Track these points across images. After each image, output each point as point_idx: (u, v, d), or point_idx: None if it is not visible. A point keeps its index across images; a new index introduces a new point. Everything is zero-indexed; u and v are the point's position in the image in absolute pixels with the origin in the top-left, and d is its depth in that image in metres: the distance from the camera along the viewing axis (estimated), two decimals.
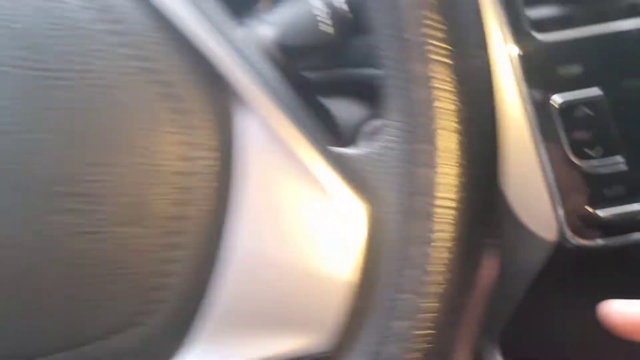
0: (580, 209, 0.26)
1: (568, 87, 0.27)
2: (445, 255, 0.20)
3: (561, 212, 0.26)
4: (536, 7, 0.27)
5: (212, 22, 0.23)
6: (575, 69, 0.27)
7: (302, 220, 0.21)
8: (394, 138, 0.21)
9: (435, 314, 0.20)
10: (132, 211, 0.21)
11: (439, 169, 0.20)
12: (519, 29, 0.27)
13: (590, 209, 0.26)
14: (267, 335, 0.21)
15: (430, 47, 0.21)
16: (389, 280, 0.21)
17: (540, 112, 0.27)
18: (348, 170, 0.22)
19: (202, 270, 0.21)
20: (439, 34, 0.21)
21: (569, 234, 0.27)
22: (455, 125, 0.21)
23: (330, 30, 0.32)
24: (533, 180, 0.26)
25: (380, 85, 0.23)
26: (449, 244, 0.20)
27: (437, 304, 0.20)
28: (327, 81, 0.36)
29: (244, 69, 0.22)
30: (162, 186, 0.21)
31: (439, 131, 0.21)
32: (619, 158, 0.26)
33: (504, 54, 0.27)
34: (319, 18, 0.32)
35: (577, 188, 0.27)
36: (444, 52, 0.21)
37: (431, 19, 0.21)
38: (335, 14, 0.32)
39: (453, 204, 0.20)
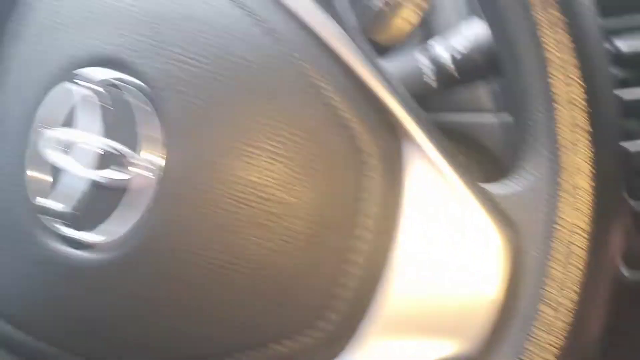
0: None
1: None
2: (579, 274, 0.25)
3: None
4: None
5: (375, 63, 0.27)
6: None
7: (456, 245, 0.26)
8: (537, 177, 0.26)
9: (570, 326, 0.25)
10: (317, 227, 0.24)
11: (578, 205, 0.25)
12: None
13: None
14: (424, 342, 0.25)
15: (575, 95, 0.26)
16: (529, 297, 0.25)
17: None
18: (495, 205, 0.26)
19: (373, 277, 0.25)
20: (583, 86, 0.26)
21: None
22: (590, 166, 0.25)
23: (433, 83, 0.37)
24: None
25: (514, 128, 0.28)
26: (582, 265, 0.25)
27: (571, 317, 0.25)
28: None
29: (407, 109, 0.26)
30: (345, 207, 0.25)
31: (578, 171, 0.25)
32: None
33: None
34: (424, 72, 0.37)
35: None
36: (585, 99, 0.26)
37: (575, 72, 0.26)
38: (439, 70, 0.37)
39: (587, 233, 0.25)
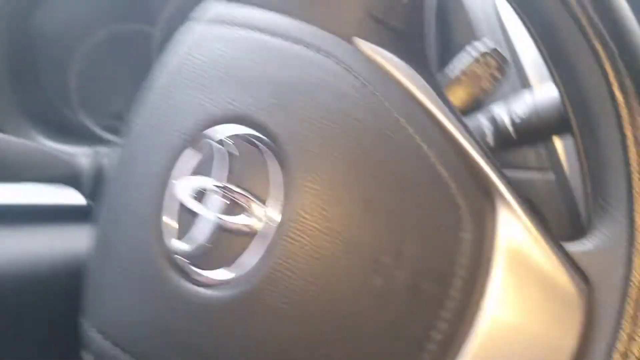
0: None
1: None
2: None
3: None
4: None
5: (468, 127, 0.30)
6: None
7: (539, 303, 0.28)
8: (613, 238, 0.29)
9: None
10: (417, 278, 0.27)
11: None
12: None
13: None
14: None
15: None
16: (603, 351, 0.28)
17: None
18: (574, 263, 0.29)
19: (461, 333, 0.27)
20: None
21: None
22: None
23: (491, 143, 0.40)
24: None
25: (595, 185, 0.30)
26: None
27: None
28: None
29: (497, 171, 0.28)
30: (444, 260, 0.27)
31: None
32: None
33: None
34: (484, 132, 0.40)
35: None
36: None
37: None
38: (498, 131, 0.40)
39: None
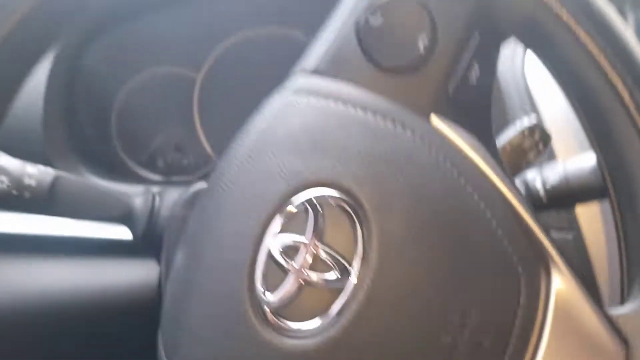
0: None
1: None
2: None
3: None
4: None
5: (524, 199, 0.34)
6: None
7: (581, 358, 0.30)
8: None
9: None
10: (478, 334, 0.30)
11: None
12: None
13: None
14: None
15: None
16: None
17: None
18: (613, 325, 0.31)
19: None
20: None
21: None
22: None
23: None
24: None
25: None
26: None
27: None
28: None
29: (548, 237, 0.31)
30: (505, 316, 0.30)
31: None
32: None
33: None
34: None
35: None
36: None
37: None
38: (531, 195, 0.44)
39: None
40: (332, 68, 0.33)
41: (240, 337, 0.30)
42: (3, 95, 0.34)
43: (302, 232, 0.30)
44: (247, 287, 0.30)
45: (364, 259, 0.29)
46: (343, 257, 0.29)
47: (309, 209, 0.30)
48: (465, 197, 0.30)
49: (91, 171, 0.61)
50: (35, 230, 0.54)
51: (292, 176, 0.31)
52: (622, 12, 0.57)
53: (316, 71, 0.33)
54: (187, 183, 0.69)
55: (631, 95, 0.31)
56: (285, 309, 0.29)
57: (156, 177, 0.70)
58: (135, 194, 0.48)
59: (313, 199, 0.30)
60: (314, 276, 0.29)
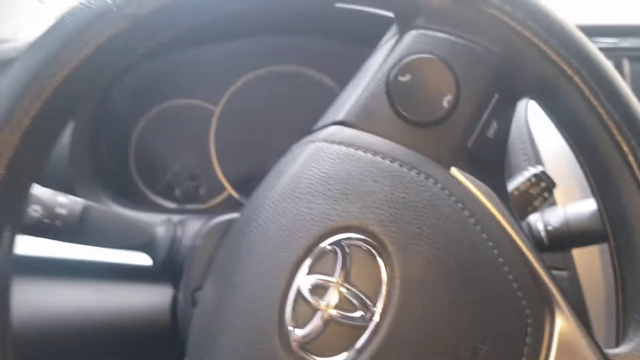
0: None
1: None
2: None
3: None
4: None
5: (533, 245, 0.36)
6: None
7: None
8: None
9: None
10: None
11: None
12: None
13: None
14: None
15: None
16: None
17: None
18: None
19: None
20: None
21: None
22: None
23: None
24: None
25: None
26: None
27: None
28: None
29: (553, 281, 0.34)
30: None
31: None
32: None
33: None
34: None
35: None
36: None
37: None
38: (532, 237, 0.47)
39: None
40: (361, 119, 0.36)
41: None
42: (48, 141, 0.35)
43: (329, 272, 0.32)
44: (277, 322, 0.32)
45: (387, 297, 0.32)
46: (367, 297, 0.32)
47: (338, 250, 0.33)
48: (481, 244, 0.33)
49: (112, 199, 0.63)
50: (56, 254, 0.56)
51: (322, 220, 0.34)
52: (619, 66, 0.61)
53: (346, 121, 0.36)
54: (201, 212, 0.71)
55: (634, 155, 0.35)
56: (312, 344, 0.32)
57: (171, 205, 0.72)
58: (156, 223, 0.50)
59: (342, 241, 0.33)
60: (340, 314, 0.32)
